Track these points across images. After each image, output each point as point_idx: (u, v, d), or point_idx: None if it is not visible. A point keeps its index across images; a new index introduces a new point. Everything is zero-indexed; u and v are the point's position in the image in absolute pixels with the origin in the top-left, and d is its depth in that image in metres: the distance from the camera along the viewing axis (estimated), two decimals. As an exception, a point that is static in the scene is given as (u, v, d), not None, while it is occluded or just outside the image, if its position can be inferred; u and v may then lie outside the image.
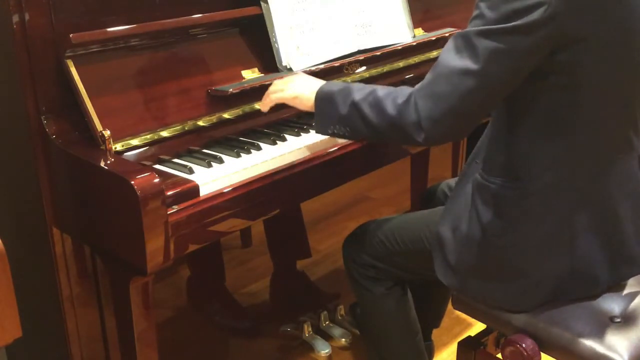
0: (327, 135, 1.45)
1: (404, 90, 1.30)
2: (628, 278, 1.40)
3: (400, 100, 1.28)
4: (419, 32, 2.08)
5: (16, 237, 1.58)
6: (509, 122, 1.30)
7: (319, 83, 1.47)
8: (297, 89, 1.48)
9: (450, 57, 1.21)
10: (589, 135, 1.25)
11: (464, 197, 1.39)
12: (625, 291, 1.38)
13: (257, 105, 1.64)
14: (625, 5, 1.18)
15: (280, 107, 1.70)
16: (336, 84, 1.44)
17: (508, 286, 1.34)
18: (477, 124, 1.29)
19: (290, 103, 1.50)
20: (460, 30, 1.23)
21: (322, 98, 1.42)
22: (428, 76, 1.26)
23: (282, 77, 1.58)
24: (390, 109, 1.29)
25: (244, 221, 1.45)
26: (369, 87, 1.36)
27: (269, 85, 1.64)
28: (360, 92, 1.36)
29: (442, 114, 1.22)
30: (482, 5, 1.18)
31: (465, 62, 1.19)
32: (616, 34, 1.18)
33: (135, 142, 1.43)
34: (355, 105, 1.35)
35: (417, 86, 1.28)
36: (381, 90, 1.34)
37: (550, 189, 1.27)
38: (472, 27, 1.19)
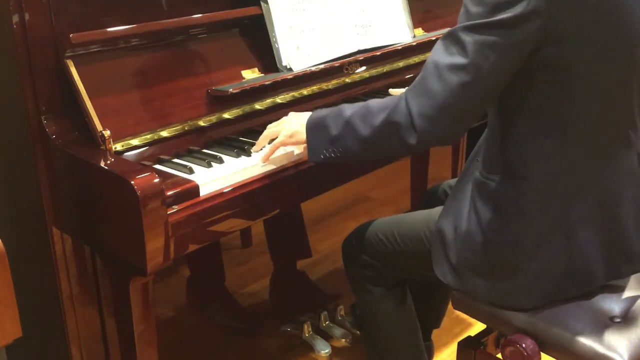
0: (320, 161, 1.39)
1: (397, 96, 1.30)
2: (628, 275, 1.40)
3: (391, 104, 1.28)
4: (419, 32, 2.08)
5: (16, 237, 1.58)
6: (503, 120, 1.30)
7: (308, 114, 1.44)
8: (290, 127, 1.45)
9: (440, 55, 1.22)
10: (582, 131, 1.25)
11: (464, 195, 1.40)
12: (625, 291, 1.38)
13: (257, 106, 1.65)
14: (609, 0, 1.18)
15: (279, 107, 1.71)
16: (327, 109, 1.41)
17: (507, 283, 1.34)
18: (471, 124, 1.29)
19: (289, 143, 1.46)
20: (448, 30, 1.24)
21: (312, 125, 1.40)
22: (419, 76, 1.26)
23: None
24: (381, 114, 1.28)
25: (244, 221, 1.45)
26: (363, 102, 1.34)
27: (269, 85, 1.65)
28: (352, 108, 1.35)
29: (434, 110, 1.22)
30: (468, 1, 1.20)
31: (454, 58, 1.19)
32: (602, 29, 1.18)
33: (135, 142, 1.43)
34: (347, 122, 1.33)
35: (408, 87, 1.28)
36: (374, 101, 1.33)
37: (546, 185, 1.28)
38: (459, 24, 1.21)
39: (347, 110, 1.35)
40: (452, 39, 1.21)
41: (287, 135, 1.45)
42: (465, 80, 1.19)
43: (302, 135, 1.43)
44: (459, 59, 1.19)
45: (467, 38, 1.18)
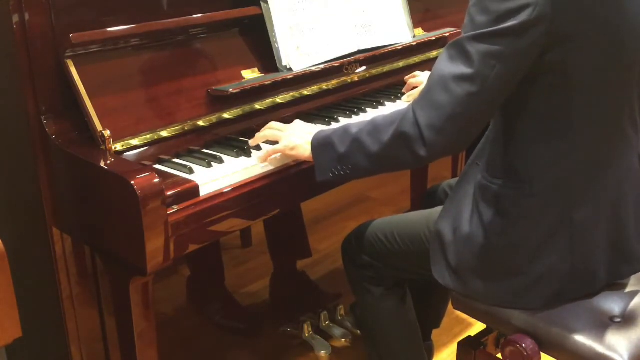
0: (328, 179, 1.39)
1: (404, 109, 1.29)
2: (629, 276, 1.40)
3: (398, 118, 1.28)
4: (419, 32, 2.08)
5: (16, 237, 1.58)
6: (506, 124, 1.30)
7: (314, 130, 1.44)
8: (293, 139, 1.45)
9: (445, 65, 1.22)
10: (585, 134, 1.25)
11: (465, 197, 1.40)
12: (626, 291, 1.38)
13: (257, 106, 1.65)
14: (612, 4, 1.18)
15: (279, 107, 1.71)
16: (331, 128, 1.41)
17: (508, 285, 1.34)
18: (478, 131, 1.29)
19: (288, 154, 1.47)
20: (452, 40, 1.24)
21: (318, 144, 1.40)
22: (425, 87, 1.26)
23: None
24: (389, 128, 1.28)
25: (244, 221, 1.45)
26: (368, 120, 1.34)
27: (269, 85, 1.64)
28: (357, 125, 1.35)
29: (442, 121, 1.22)
30: (472, 10, 1.19)
31: (460, 68, 1.19)
32: (604, 32, 1.18)
33: (135, 142, 1.43)
34: (354, 140, 1.33)
35: (414, 99, 1.28)
36: (380, 117, 1.33)
37: (550, 188, 1.28)
38: (463, 34, 1.20)
39: (353, 128, 1.35)
40: (457, 49, 1.20)
41: (289, 147, 1.45)
42: (472, 91, 1.19)
43: (304, 151, 1.43)
44: (465, 70, 1.18)
45: (473, 48, 1.17)
